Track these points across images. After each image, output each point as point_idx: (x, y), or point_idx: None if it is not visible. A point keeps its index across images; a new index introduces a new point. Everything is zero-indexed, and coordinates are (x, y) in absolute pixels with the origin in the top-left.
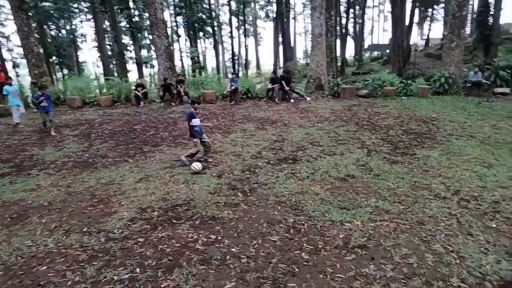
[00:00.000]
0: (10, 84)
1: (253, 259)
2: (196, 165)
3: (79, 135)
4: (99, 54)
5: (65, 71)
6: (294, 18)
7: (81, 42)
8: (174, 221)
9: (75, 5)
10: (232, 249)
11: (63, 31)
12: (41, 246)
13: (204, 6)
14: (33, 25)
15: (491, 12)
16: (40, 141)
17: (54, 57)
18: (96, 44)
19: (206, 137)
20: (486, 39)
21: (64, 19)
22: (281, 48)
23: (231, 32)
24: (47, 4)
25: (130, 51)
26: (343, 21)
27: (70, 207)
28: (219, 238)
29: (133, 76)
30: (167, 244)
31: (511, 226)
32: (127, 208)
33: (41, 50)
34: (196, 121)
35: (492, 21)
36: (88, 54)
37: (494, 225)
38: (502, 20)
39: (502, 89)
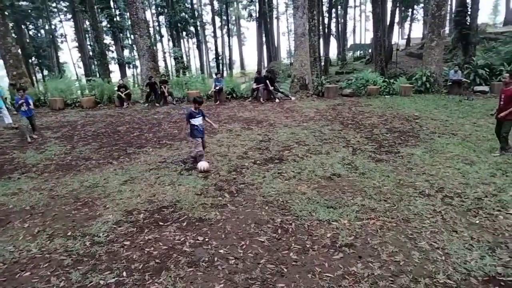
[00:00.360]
0: None
1: (241, 260)
2: (204, 165)
3: (61, 137)
4: (80, 55)
5: (45, 72)
6: (277, 17)
7: (61, 42)
8: (161, 223)
9: (54, 4)
10: (220, 251)
11: (42, 31)
12: (24, 251)
13: (187, 5)
14: (10, 24)
15: (468, 12)
16: (21, 144)
17: (33, 58)
18: (77, 44)
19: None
20: (464, 38)
21: (43, 18)
22: (265, 48)
23: (214, 31)
24: (24, 3)
25: (112, 51)
26: (326, 20)
27: (54, 211)
28: (206, 239)
29: (115, 76)
30: (154, 247)
31: (493, 222)
32: (112, 211)
33: (19, 51)
34: (196, 121)
35: (469, 21)
36: (69, 55)
37: (477, 221)
38: (479, 20)
39: (481, 88)
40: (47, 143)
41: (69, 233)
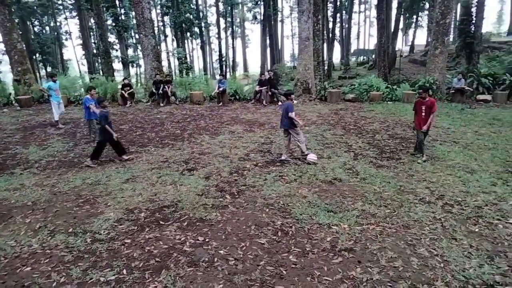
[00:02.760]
0: (54, 81)
1: (241, 262)
2: (313, 157)
3: (64, 134)
4: (84, 52)
5: (49, 69)
6: (282, 21)
7: (66, 40)
8: (162, 222)
9: (59, 2)
10: (220, 251)
11: (47, 28)
12: (25, 246)
13: (192, 6)
14: (16, 21)
15: (473, 21)
16: (24, 139)
17: (37, 54)
18: (81, 41)
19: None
20: (468, 46)
21: (48, 15)
22: (268, 50)
23: (218, 33)
24: (30, 0)
25: (116, 50)
26: (330, 25)
27: (55, 207)
28: (207, 240)
29: (119, 75)
30: (155, 246)
31: (493, 230)
32: (113, 209)
33: (24, 47)
34: (292, 114)
35: (474, 30)
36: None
37: (477, 230)
38: (484, 29)
39: (484, 96)
40: (50, 139)
41: (70, 230)
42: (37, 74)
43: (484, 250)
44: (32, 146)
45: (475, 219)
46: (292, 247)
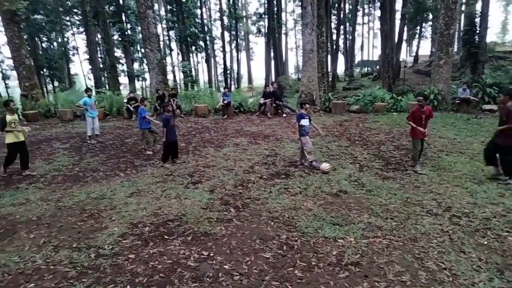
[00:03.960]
0: (90, 96)
1: (246, 276)
2: (326, 166)
3: (69, 148)
4: (90, 67)
5: (56, 84)
6: (286, 33)
7: (73, 55)
8: (166, 236)
9: (67, 18)
10: (224, 266)
11: (55, 43)
12: (29, 262)
13: (197, 20)
14: (25, 37)
15: (477, 31)
16: (30, 154)
17: (45, 69)
18: (88, 56)
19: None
20: (473, 56)
21: (56, 31)
22: (273, 62)
23: (223, 46)
24: (39, 16)
25: (122, 64)
26: (334, 37)
27: (60, 222)
28: (211, 254)
29: (125, 89)
30: (159, 261)
31: (502, 243)
32: (117, 223)
33: (32, 62)
34: (304, 121)
35: (478, 40)
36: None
37: (485, 242)
38: (488, 39)
39: (490, 106)
40: (56, 153)
41: (74, 245)
42: (44, 89)
43: (493, 264)
44: (38, 160)
45: (484, 231)
46: (298, 262)
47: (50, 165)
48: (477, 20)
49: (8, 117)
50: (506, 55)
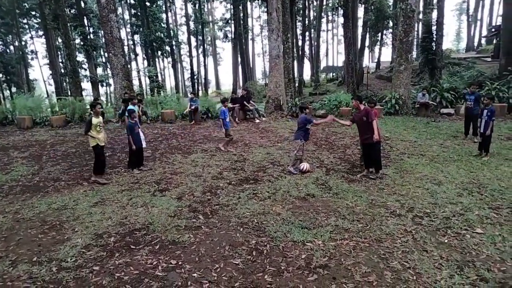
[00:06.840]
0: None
1: (215, 284)
2: (305, 165)
3: (28, 157)
4: (51, 72)
5: (14, 89)
6: (253, 39)
7: (32, 59)
8: (132, 246)
9: (25, 21)
10: (193, 274)
11: (11, 47)
12: None
13: (162, 25)
14: None
15: (434, 38)
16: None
17: (1, 74)
18: (48, 61)
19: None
20: (430, 63)
21: (13, 34)
22: (240, 68)
23: (190, 51)
24: None
25: (85, 69)
26: (300, 43)
27: (18, 235)
28: (179, 263)
29: (88, 95)
30: (125, 272)
31: (461, 241)
32: (81, 235)
33: None
34: (309, 125)
35: (435, 47)
36: (39, 72)
37: (446, 241)
38: (444, 46)
39: (447, 110)
40: (14, 163)
41: (34, 259)
42: (1, 94)
43: (453, 261)
44: None
45: (444, 230)
46: (267, 267)
47: (7, 175)
48: (434, 28)
49: (95, 120)
50: (460, 61)
